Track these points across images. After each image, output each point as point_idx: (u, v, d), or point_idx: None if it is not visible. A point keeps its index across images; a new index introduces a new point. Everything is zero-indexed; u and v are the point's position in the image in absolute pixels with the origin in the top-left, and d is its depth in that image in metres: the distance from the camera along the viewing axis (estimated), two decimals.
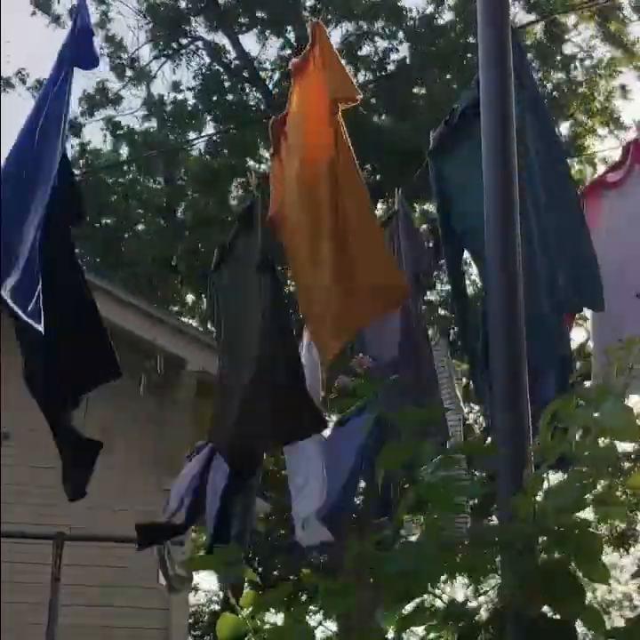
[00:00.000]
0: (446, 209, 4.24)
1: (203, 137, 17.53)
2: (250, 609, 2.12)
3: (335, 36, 16.88)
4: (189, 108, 17.70)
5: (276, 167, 4.81)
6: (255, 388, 4.70)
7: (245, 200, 5.64)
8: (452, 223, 4.19)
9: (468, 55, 15.84)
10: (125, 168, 17.51)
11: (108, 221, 17.32)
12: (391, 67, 16.87)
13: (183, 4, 17.67)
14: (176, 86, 17.97)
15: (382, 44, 17.07)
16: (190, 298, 18.17)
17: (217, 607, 17.58)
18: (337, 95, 4.30)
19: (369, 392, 1.98)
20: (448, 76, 16.36)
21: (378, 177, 17.05)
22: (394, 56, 16.96)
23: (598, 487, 1.77)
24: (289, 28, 17.43)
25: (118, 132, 17.67)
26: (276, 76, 17.35)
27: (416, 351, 4.94)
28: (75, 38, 4.43)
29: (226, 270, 5.45)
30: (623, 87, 16.90)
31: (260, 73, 17.82)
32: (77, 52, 4.41)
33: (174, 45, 17.88)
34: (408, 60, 16.67)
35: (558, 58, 16.88)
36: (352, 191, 4.29)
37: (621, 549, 16.77)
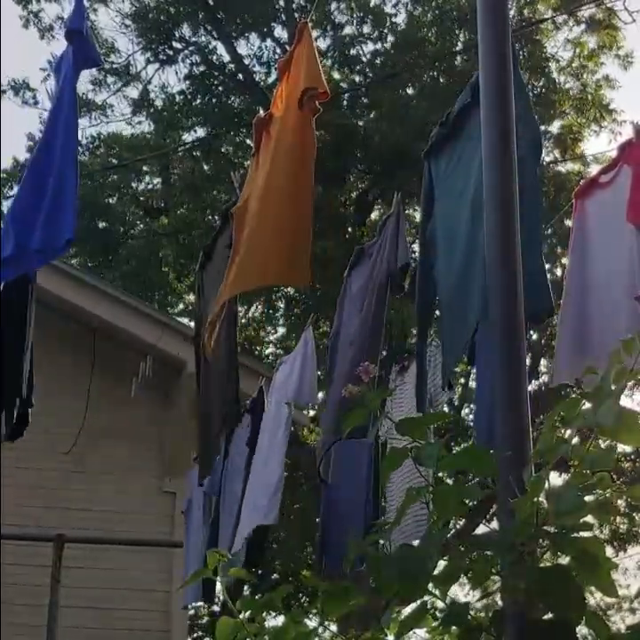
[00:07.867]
0: (428, 215, 4.17)
1: (199, 141, 17.50)
2: (248, 612, 2.11)
3: (326, 39, 16.95)
4: (179, 113, 17.64)
5: (254, 164, 4.80)
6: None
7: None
8: (428, 231, 4.12)
9: (459, 50, 15.81)
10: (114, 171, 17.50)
11: (105, 224, 17.31)
12: (380, 69, 16.82)
13: (173, 9, 17.52)
14: (163, 88, 17.96)
15: (370, 46, 17.10)
16: (189, 299, 18.16)
17: (217, 609, 17.55)
18: (306, 84, 4.28)
19: (376, 401, 2.00)
20: (434, 75, 16.30)
21: (366, 180, 17.04)
22: (381, 58, 16.94)
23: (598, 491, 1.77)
24: (283, 30, 17.42)
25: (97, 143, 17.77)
26: (270, 79, 17.30)
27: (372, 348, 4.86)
28: (80, 40, 4.52)
29: (208, 269, 5.47)
30: (607, 77, 16.89)
31: (254, 76, 17.77)
32: (83, 53, 4.51)
33: (166, 49, 17.74)
34: (396, 63, 16.61)
35: (547, 54, 16.83)
36: (299, 183, 4.27)
37: (619, 549, 16.72)
